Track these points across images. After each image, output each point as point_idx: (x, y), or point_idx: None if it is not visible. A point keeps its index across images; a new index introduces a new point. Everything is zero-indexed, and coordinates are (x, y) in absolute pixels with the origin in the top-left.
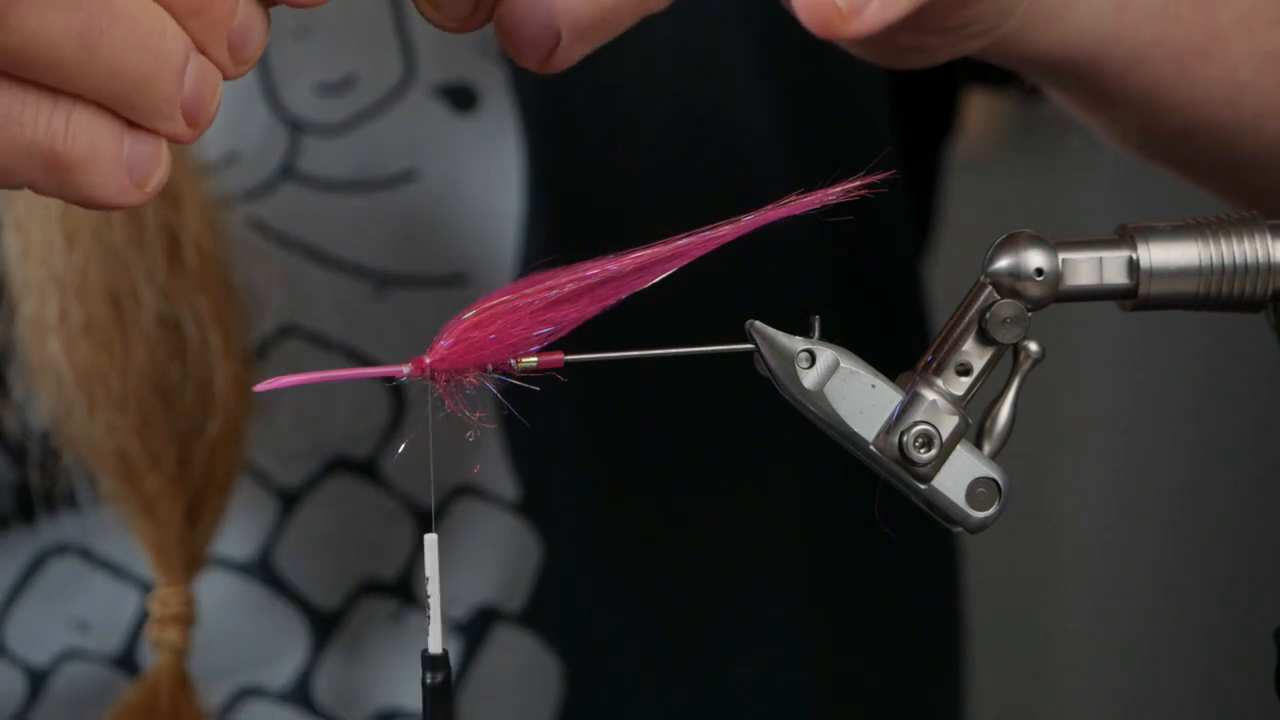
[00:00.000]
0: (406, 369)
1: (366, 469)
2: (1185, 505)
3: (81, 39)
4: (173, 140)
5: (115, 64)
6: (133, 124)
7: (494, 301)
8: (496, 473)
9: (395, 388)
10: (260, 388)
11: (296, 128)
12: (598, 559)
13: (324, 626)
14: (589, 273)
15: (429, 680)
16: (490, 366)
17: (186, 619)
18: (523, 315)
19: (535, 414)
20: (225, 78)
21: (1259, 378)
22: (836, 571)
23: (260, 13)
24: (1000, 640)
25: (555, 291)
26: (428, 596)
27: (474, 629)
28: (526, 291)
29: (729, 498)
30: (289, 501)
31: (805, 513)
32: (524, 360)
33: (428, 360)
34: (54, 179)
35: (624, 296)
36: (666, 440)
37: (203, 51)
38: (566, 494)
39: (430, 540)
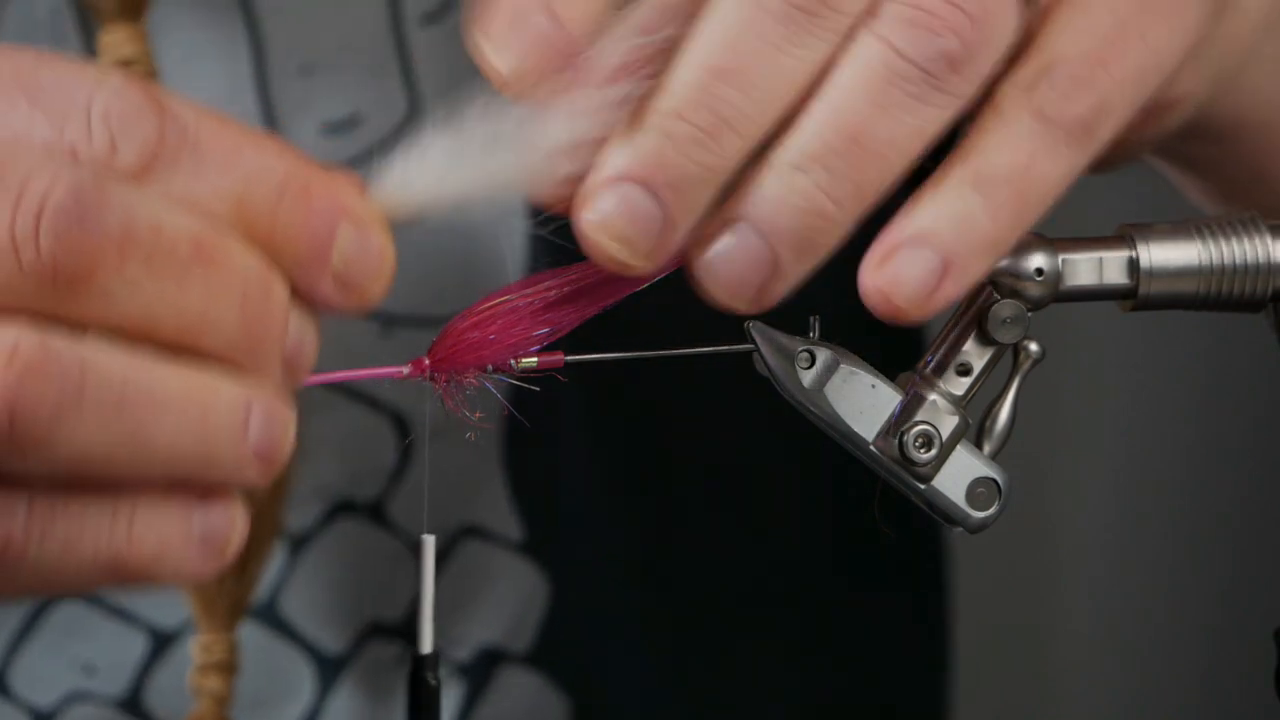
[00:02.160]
0: (407, 369)
1: (372, 512)
2: (1185, 505)
3: (132, 440)
4: (253, 485)
5: (174, 452)
6: (204, 492)
7: (493, 302)
8: (501, 513)
9: (402, 430)
10: None
11: None
12: (605, 597)
13: (330, 670)
14: (589, 272)
15: (418, 680)
16: (490, 366)
17: (229, 666)
18: (522, 315)
19: (539, 453)
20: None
21: (1259, 378)
22: (848, 600)
23: (310, 322)
24: (1000, 640)
25: (555, 291)
26: (421, 597)
27: (478, 671)
28: (526, 291)
29: (737, 533)
30: (296, 545)
31: (818, 545)
32: (524, 360)
33: (427, 360)
34: (124, 582)
35: (624, 296)
36: (672, 477)
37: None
38: (572, 533)
39: (427, 541)
